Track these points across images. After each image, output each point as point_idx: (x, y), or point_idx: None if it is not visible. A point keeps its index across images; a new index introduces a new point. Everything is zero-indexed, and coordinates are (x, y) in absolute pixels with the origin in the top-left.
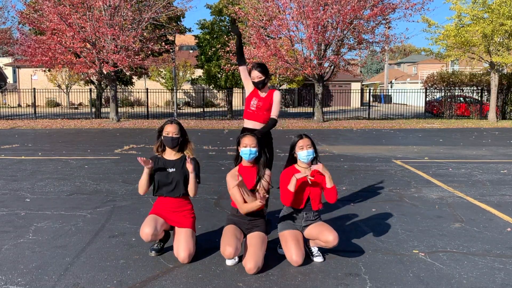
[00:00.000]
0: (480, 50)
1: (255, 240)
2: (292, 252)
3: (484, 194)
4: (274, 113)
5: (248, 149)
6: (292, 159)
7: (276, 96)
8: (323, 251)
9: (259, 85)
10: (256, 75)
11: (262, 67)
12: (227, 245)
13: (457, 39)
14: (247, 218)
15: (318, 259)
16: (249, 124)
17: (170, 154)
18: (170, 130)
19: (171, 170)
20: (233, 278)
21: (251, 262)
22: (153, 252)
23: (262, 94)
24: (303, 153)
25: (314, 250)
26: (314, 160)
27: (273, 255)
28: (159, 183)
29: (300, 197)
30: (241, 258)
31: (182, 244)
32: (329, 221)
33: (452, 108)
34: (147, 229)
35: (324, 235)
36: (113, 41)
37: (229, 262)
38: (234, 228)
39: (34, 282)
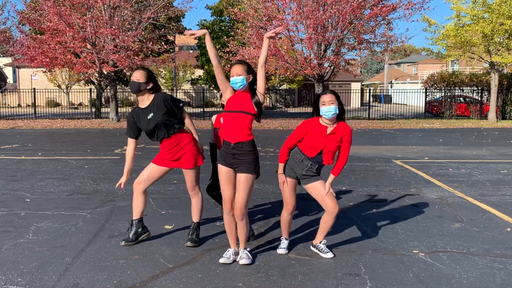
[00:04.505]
0: (480, 50)
1: (241, 185)
2: (287, 200)
3: (484, 194)
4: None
5: (234, 78)
6: (317, 112)
7: None
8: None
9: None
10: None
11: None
12: (225, 200)
13: (457, 39)
14: (231, 151)
15: (328, 255)
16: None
17: (143, 101)
18: (135, 75)
19: (150, 116)
20: (233, 278)
21: (236, 207)
22: (123, 242)
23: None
24: (324, 109)
25: (323, 246)
26: (340, 116)
27: (273, 255)
28: (146, 133)
29: (315, 147)
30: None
31: (188, 180)
32: None
33: (452, 108)
34: (143, 177)
35: (325, 201)
36: (113, 41)
37: (222, 260)
38: (226, 172)
39: (34, 282)
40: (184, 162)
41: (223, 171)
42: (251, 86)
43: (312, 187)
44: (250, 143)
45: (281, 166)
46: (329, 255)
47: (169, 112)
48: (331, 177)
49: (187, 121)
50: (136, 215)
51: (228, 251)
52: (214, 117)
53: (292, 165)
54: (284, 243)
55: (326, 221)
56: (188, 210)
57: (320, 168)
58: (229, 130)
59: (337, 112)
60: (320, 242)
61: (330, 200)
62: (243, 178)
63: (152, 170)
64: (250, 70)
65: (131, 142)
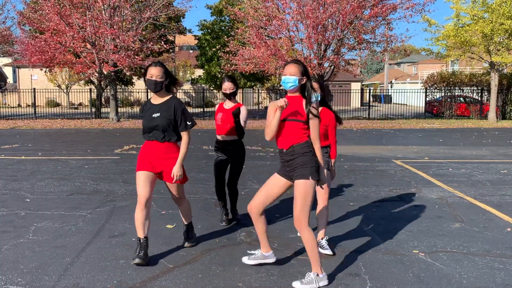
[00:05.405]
0: (480, 50)
1: (296, 194)
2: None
3: (484, 194)
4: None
5: (286, 77)
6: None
7: (242, 110)
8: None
9: (230, 96)
10: (228, 86)
11: (232, 79)
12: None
13: (456, 39)
14: (284, 157)
15: (327, 251)
16: (219, 137)
17: (156, 98)
18: (154, 73)
19: (155, 115)
20: (233, 278)
21: (294, 218)
22: (136, 259)
23: (227, 106)
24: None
25: (324, 243)
26: (325, 104)
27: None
28: (144, 128)
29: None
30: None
31: (173, 192)
32: (329, 221)
33: (452, 108)
34: (144, 194)
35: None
36: (113, 41)
37: (248, 261)
38: (274, 177)
39: (34, 282)
40: (167, 176)
41: (275, 177)
42: (304, 91)
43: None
44: (303, 144)
45: None
46: (328, 251)
47: (174, 121)
48: (332, 161)
49: (184, 138)
50: (145, 232)
51: (258, 251)
52: (217, 106)
53: None
54: None
55: (320, 213)
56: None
57: (325, 152)
58: (282, 138)
59: (318, 99)
60: (322, 239)
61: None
62: (296, 186)
63: (144, 181)
64: (306, 72)
65: None
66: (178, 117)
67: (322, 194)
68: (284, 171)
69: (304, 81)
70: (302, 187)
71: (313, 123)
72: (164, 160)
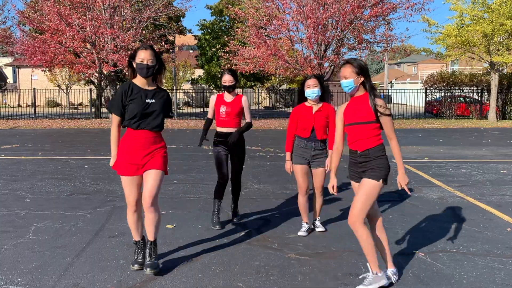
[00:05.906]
0: (480, 50)
1: (359, 190)
2: (300, 183)
3: (484, 194)
4: (248, 118)
5: (342, 81)
6: (303, 98)
7: (245, 101)
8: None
9: (229, 89)
10: (228, 79)
11: (233, 72)
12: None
13: (457, 39)
14: (358, 159)
15: (319, 229)
16: (223, 130)
17: (143, 83)
18: (145, 57)
19: (150, 100)
20: (233, 278)
21: (349, 213)
22: (135, 265)
23: (229, 99)
24: (309, 91)
25: (317, 223)
26: (323, 98)
27: (273, 255)
28: (137, 114)
29: (306, 127)
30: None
31: (149, 185)
32: (329, 221)
33: (452, 108)
34: (133, 196)
35: (316, 180)
36: (113, 41)
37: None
38: (354, 188)
39: (34, 282)
40: (152, 163)
41: (354, 187)
42: (367, 87)
43: (315, 173)
44: (378, 147)
45: (287, 154)
46: (321, 229)
47: (165, 109)
48: (329, 152)
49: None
50: (140, 234)
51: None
52: (214, 97)
53: (300, 153)
54: (304, 226)
55: (317, 202)
56: (188, 210)
57: (325, 147)
58: (356, 141)
59: (320, 94)
60: (315, 219)
61: (320, 180)
62: (363, 184)
63: (131, 185)
64: (361, 70)
65: (116, 120)
66: (167, 106)
67: (318, 186)
68: (355, 172)
69: (362, 80)
70: (370, 186)
71: (384, 121)
72: (151, 149)
